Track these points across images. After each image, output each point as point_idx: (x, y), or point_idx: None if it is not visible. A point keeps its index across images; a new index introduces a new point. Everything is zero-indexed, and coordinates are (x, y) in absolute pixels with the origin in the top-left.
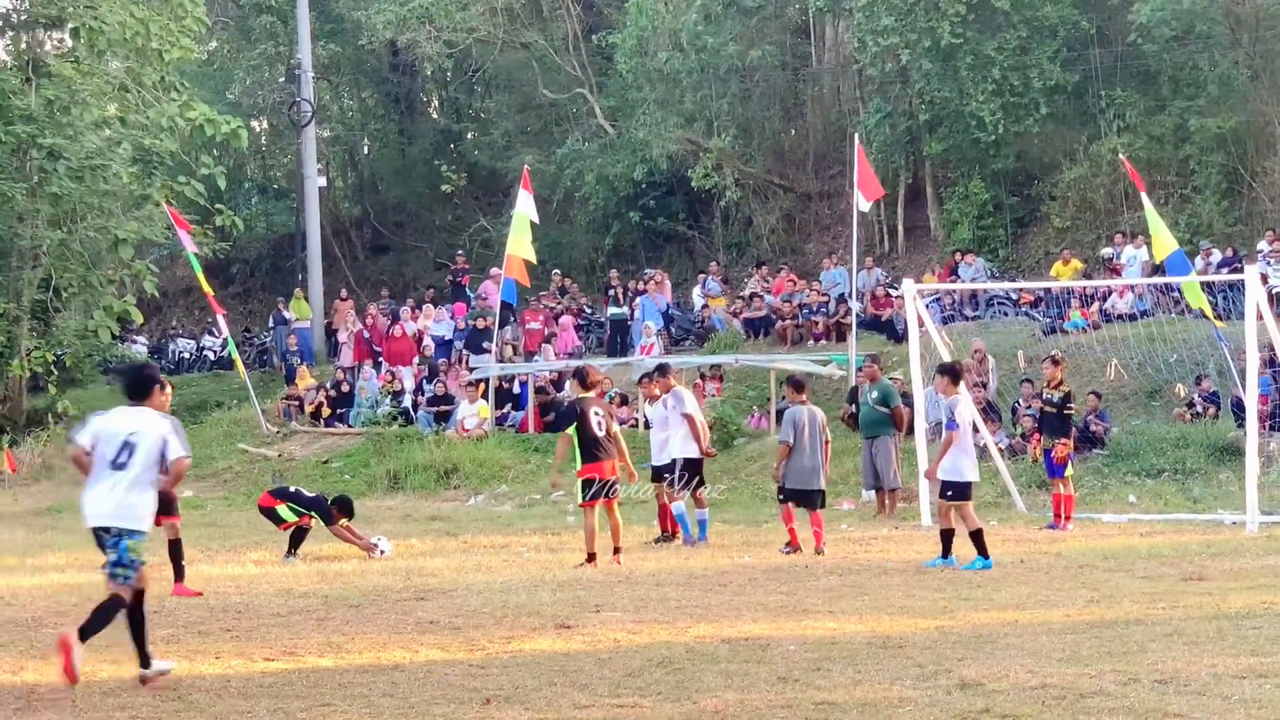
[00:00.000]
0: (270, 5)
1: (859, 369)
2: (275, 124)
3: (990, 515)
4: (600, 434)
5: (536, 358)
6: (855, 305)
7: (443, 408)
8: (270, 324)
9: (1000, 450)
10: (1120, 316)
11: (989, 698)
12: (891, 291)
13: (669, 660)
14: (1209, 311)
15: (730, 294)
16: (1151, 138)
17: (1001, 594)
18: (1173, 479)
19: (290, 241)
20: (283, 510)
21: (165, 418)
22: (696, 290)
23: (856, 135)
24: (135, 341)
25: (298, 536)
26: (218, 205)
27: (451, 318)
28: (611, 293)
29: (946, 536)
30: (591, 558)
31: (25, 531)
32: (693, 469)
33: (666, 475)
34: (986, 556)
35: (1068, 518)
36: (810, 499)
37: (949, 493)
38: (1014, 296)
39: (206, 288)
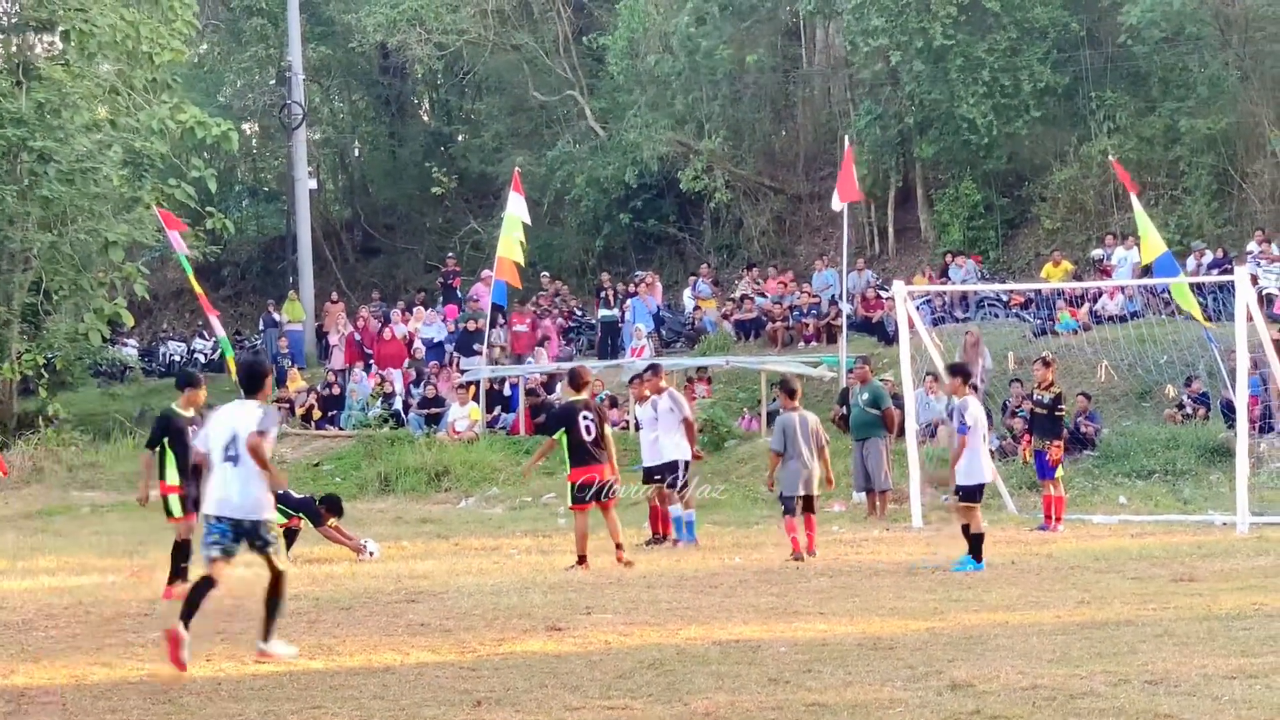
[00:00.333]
0: (261, 8)
1: (849, 371)
2: (266, 126)
3: (984, 516)
4: (589, 438)
5: (528, 360)
6: (846, 307)
7: (433, 410)
8: (260, 326)
9: (990, 451)
10: (1111, 318)
11: (980, 699)
12: (882, 293)
13: (660, 662)
14: (1198, 313)
15: (721, 296)
16: (1141, 139)
17: (992, 595)
18: (1163, 480)
19: (281, 244)
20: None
21: (262, 406)
22: (687, 292)
23: (847, 137)
24: (126, 344)
25: (287, 538)
26: (208, 208)
27: (443, 320)
28: (602, 295)
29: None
30: (582, 560)
31: (15, 535)
32: (685, 470)
33: (657, 477)
34: (979, 560)
35: (1058, 519)
36: (807, 504)
37: (959, 494)
38: (1004, 298)
39: (199, 289)
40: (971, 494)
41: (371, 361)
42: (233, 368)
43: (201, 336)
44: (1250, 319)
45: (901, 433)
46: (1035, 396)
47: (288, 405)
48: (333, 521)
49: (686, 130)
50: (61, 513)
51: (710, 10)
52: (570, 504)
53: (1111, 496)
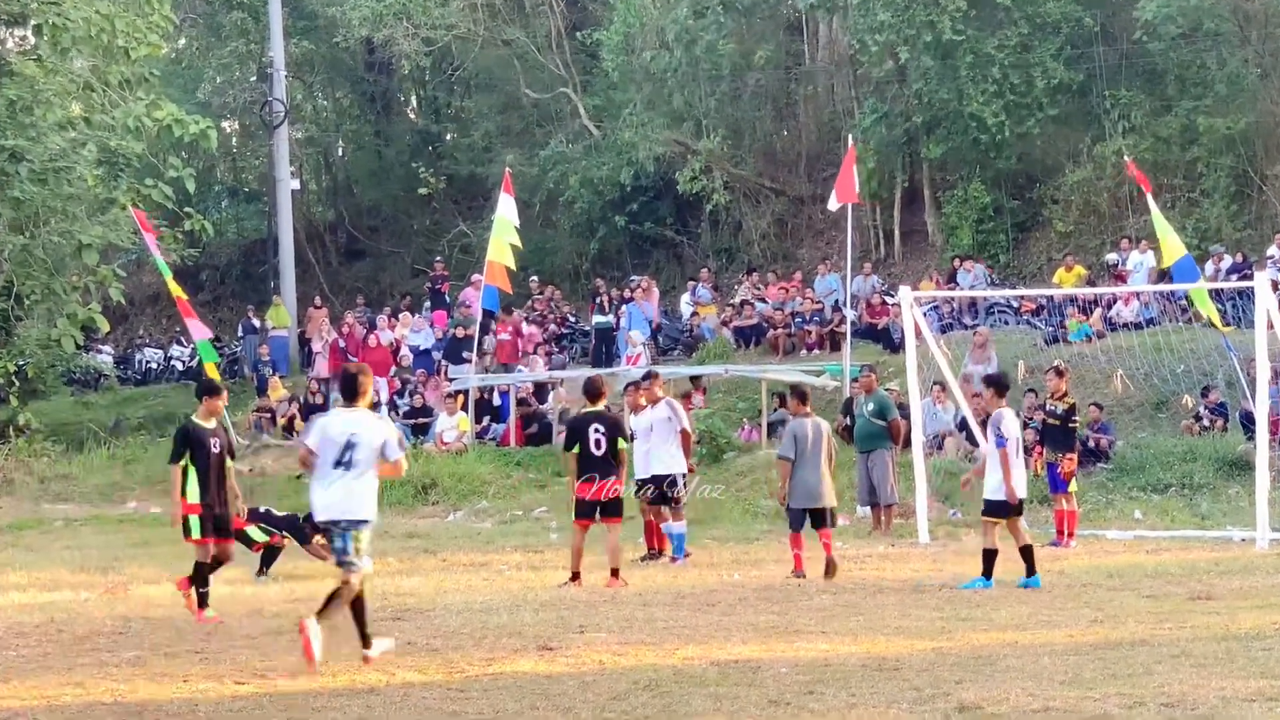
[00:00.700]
0: (241, 1)
1: (854, 380)
2: (246, 124)
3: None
4: (598, 452)
5: (519, 368)
6: (850, 313)
7: (421, 420)
8: (240, 333)
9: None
10: (1125, 325)
11: None
12: (888, 299)
13: (656, 683)
14: (1217, 320)
15: (720, 301)
16: (1158, 139)
17: (1001, 614)
18: (1180, 494)
19: (261, 247)
20: (253, 531)
21: (382, 419)
22: (685, 298)
23: (850, 136)
24: (101, 351)
25: (270, 555)
26: (186, 209)
27: (430, 326)
28: (597, 300)
29: (1025, 554)
30: (575, 577)
31: None
32: (683, 483)
33: (649, 489)
34: (989, 578)
35: (1070, 534)
36: (818, 517)
37: (985, 509)
38: (1015, 304)
39: (178, 291)
40: (997, 510)
41: None
42: (211, 374)
43: (179, 343)
44: (1271, 326)
45: (907, 444)
46: (1048, 407)
47: (269, 415)
48: (319, 539)
49: (684, 129)
50: (33, 526)
51: (709, 3)
52: (573, 517)
53: (1126, 511)
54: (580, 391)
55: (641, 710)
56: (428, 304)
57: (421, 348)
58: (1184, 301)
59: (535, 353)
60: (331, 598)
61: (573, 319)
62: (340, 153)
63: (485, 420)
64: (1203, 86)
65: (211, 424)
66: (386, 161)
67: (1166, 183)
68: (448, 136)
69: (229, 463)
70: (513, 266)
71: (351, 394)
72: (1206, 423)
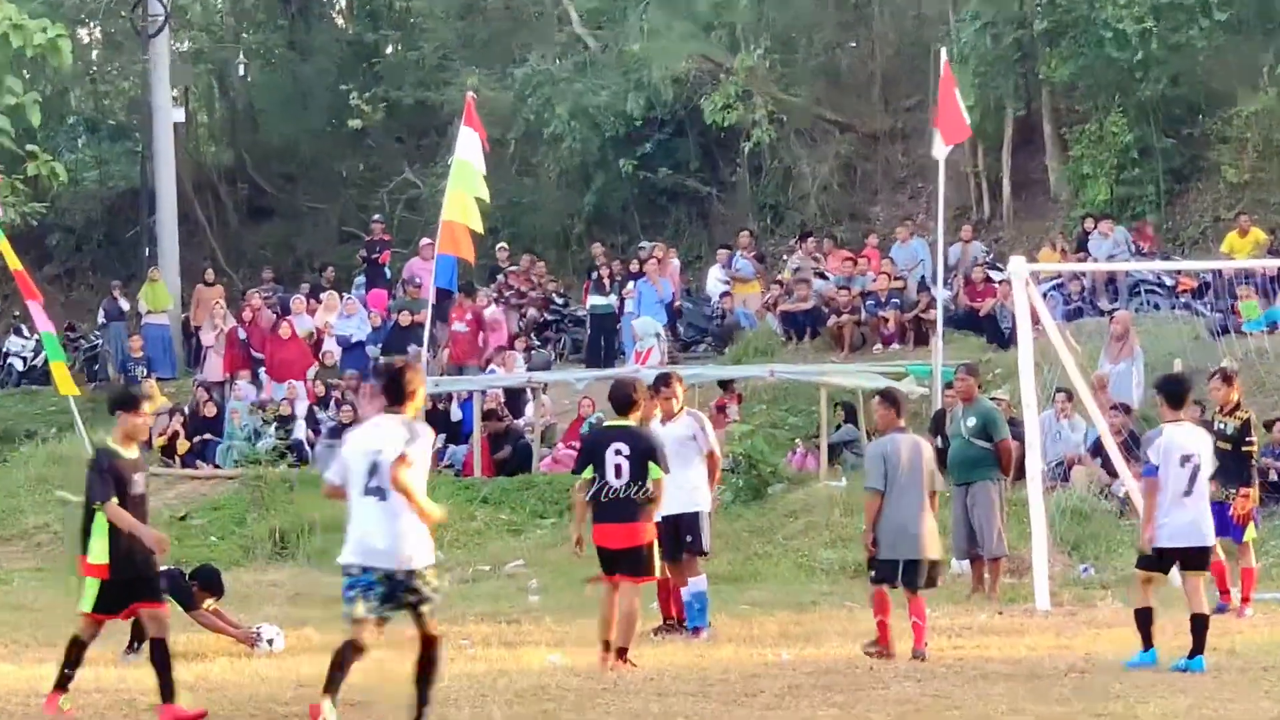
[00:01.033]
0: None
1: (947, 385)
2: (111, 33)
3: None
4: (617, 482)
5: (491, 369)
6: (942, 294)
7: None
8: (102, 319)
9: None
10: None
11: None
12: (994, 274)
13: None
14: None
15: (764, 277)
16: None
17: (1150, 708)
18: None
19: (133, 201)
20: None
21: (406, 423)
22: (715, 271)
23: (944, 52)
24: None
25: (141, 626)
26: (29, 147)
27: (365, 310)
28: (594, 275)
29: (1195, 626)
30: (607, 648)
31: None
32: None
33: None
34: (1148, 647)
35: (1245, 599)
36: (911, 574)
37: (1140, 558)
38: (1169, 281)
39: (16, 263)
40: (1150, 561)
41: (262, 370)
42: (60, 377)
43: (18, 333)
44: None
45: (1021, 475)
46: (1215, 425)
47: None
48: (209, 603)
49: (714, 40)
50: None
51: None
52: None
53: None
54: (609, 399)
55: None
56: (361, 280)
57: (353, 339)
58: None
59: (512, 347)
60: (422, 675)
61: (560, 301)
62: (241, 72)
63: (440, 440)
64: None
65: (133, 452)
66: (304, 84)
67: None
68: (388, 49)
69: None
70: (478, 229)
71: (396, 396)
72: None
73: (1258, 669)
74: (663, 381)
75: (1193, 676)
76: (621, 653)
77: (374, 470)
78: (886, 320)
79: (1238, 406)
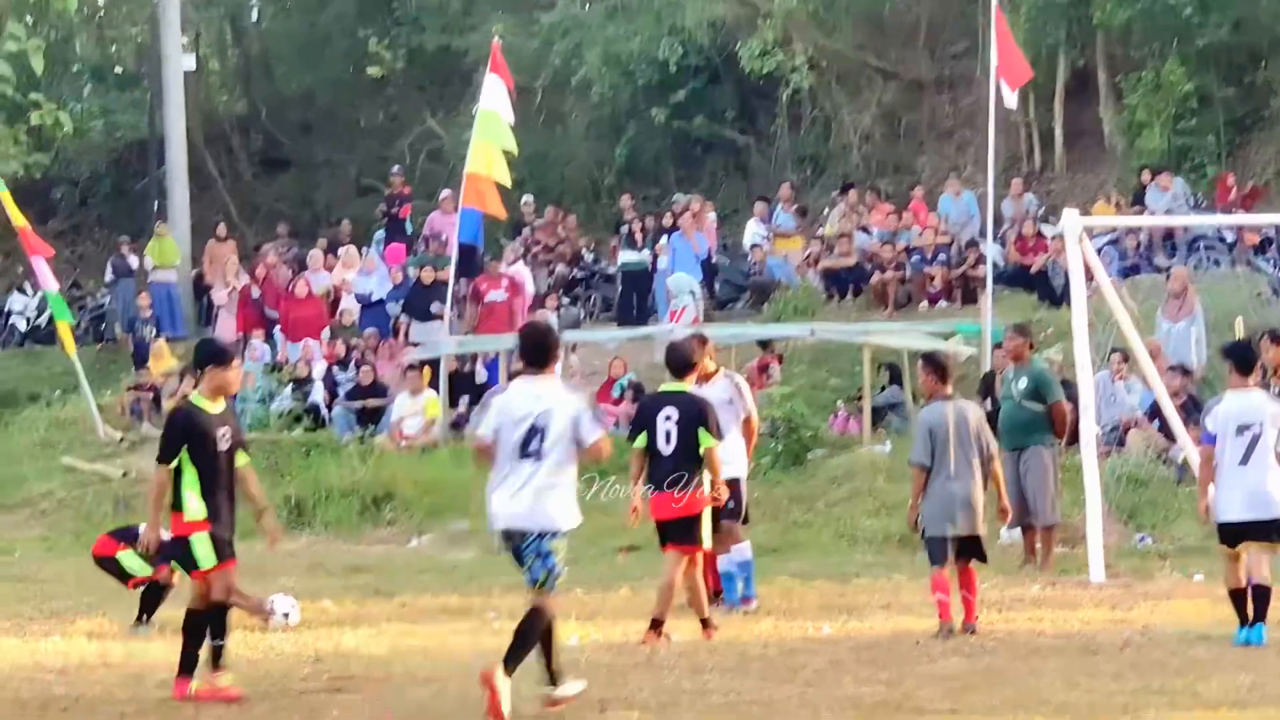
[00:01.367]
0: None
1: (997, 346)
2: None
3: (1197, 564)
4: (667, 449)
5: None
6: (992, 249)
7: (371, 402)
8: (110, 276)
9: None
10: None
11: None
12: (1046, 229)
13: None
14: None
15: (805, 232)
16: None
17: (1211, 684)
18: None
19: (141, 153)
20: (128, 559)
21: (575, 390)
22: (753, 225)
23: None
24: None
25: (152, 596)
26: (33, 96)
27: (385, 267)
28: (621, 231)
29: (1256, 597)
30: (705, 624)
31: None
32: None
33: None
34: (1248, 623)
35: None
36: (961, 549)
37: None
38: (1230, 236)
39: (20, 218)
40: (1228, 534)
41: (277, 329)
42: (66, 337)
43: (22, 291)
44: None
45: (1074, 439)
46: (1273, 389)
47: (151, 394)
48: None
49: None
50: None
51: None
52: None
53: None
54: (666, 362)
55: None
56: (380, 235)
57: (373, 297)
58: None
59: (543, 306)
60: (522, 633)
61: (590, 257)
62: (255, 17)
63: (463, 403)
64: None
65: (219, 406)
66: (321, 29)
67: None
68: None
69: (240, 462)
70: (505, 182)
71: (540, 358)
72: None
73: None
74: (698, 344)
75: (1256, 652)
76: (656, 625)
77: (532, 433)
78: (933, 277)
79: None
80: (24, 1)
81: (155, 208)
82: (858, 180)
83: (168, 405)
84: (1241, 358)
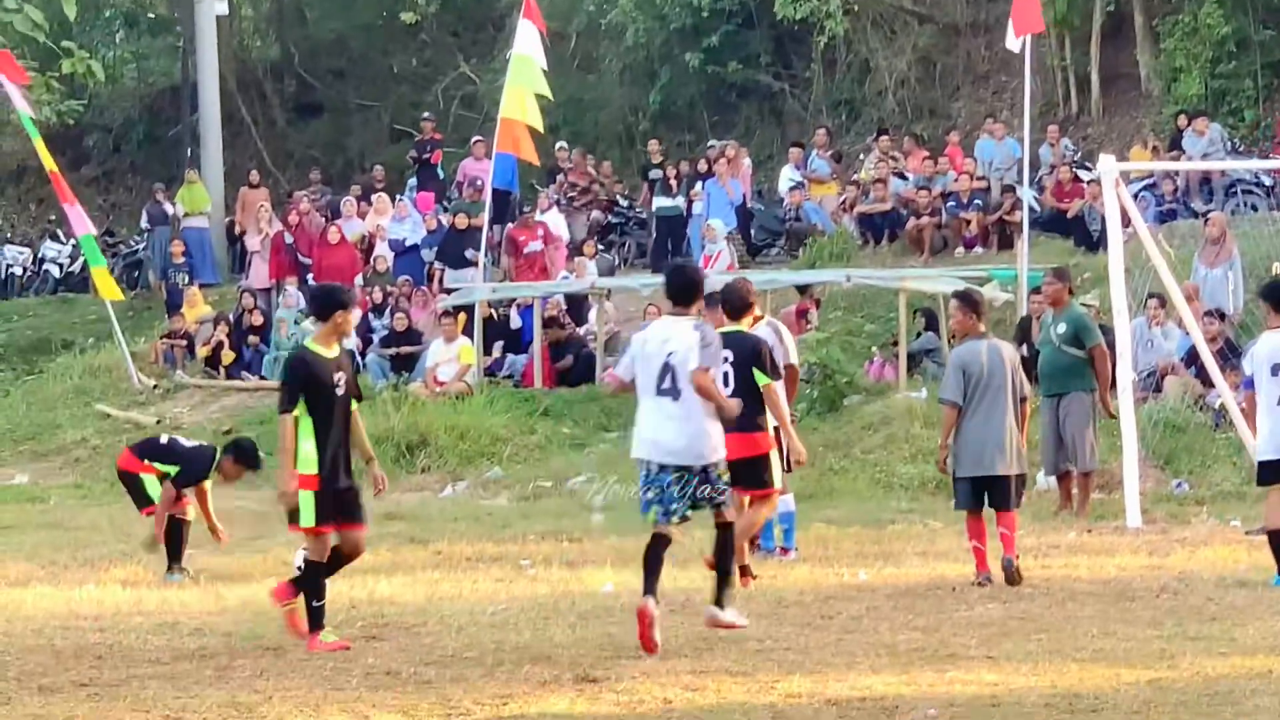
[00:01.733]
0: None
1: (1034, 291)
2: None
3: (1232, 509)
4: (726, 390)
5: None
6: (1028, 194)
7: (405, 349)
8: (144, 224)
9: (1243, 412)
10: None
11: None
12: (1082, 174)
13: None
14: None
15: (840, 177)
16: None
17: (1249, 630)
18: None
19: (174, 100)
20: (151, 483)
21: (699, 327)
22: (787, 171)
23: None
24: None
25: (175, 537)
26: (65, 43)
27: (418, 214)
28: (649, 177)
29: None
30: (744, 572)
31: None
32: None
33: None
34: None
35: None
36: (996, 492)
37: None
38: (1268, 180)
39: (52, 164)
40: (1265, 472)
41: (310, 276)
42: (100, 282)
43: (55, 238)
44: None
45: (1112, 384)
46: None
47: (184, 342)
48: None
49: None
50: None
51: None
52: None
53: None
54: (721, 303)
55: None
56: (413, 182)
57: (406, 244)
58: None
59: (581, 254)
60: (721, 551)
61: (624, 203)
62: None
63: (498, 349)
64: None
65: (334, 352)
66: None
67: None
68: None
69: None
70: (539, 127)
71: (686, 298)
72: None
73: None
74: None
75: None
76: (743, 570)
77: (666, 371)
78: (969, 222)
79: None
80: None
81: (188, 154)
82: (893, 125)
83: (201, 352)
84: (1279, 298)
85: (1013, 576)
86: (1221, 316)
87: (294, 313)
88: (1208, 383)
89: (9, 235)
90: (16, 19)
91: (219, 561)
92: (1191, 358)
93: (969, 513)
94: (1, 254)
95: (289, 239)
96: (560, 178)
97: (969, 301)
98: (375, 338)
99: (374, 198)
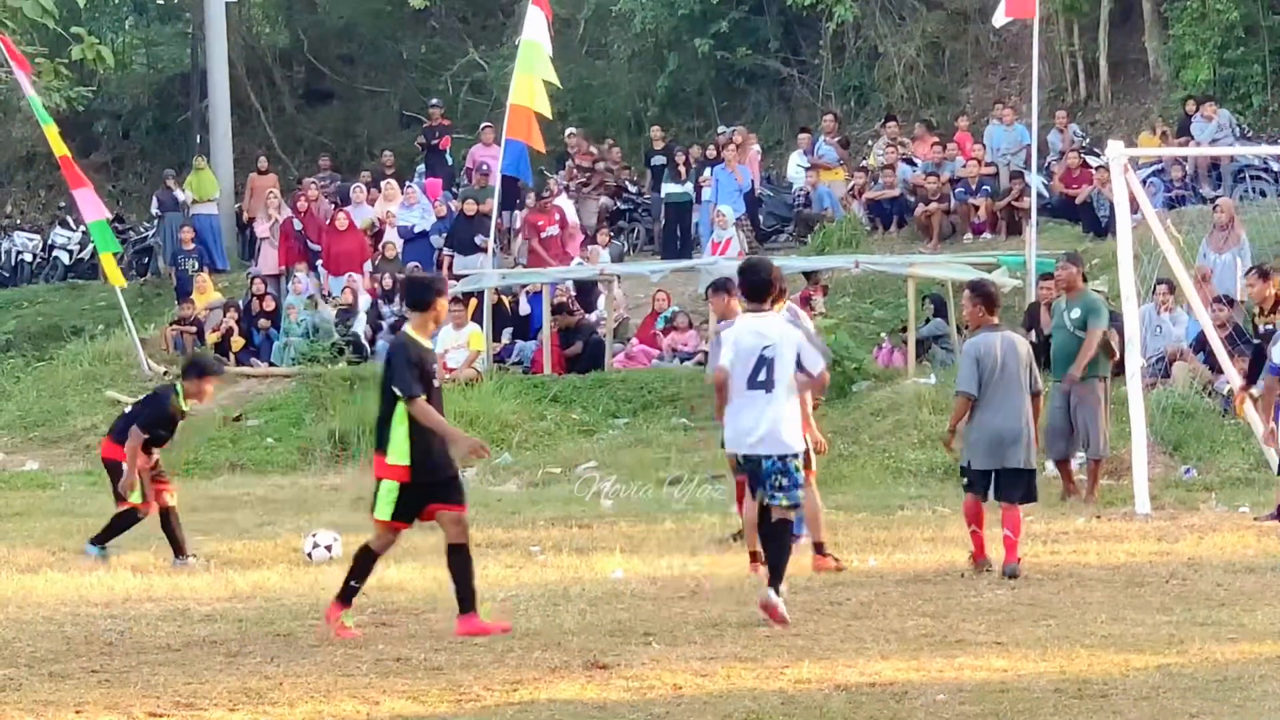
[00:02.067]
0: None
1: (1043, 277)
2: None
3: (1240, 495)
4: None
5: (577, 261)
6: (1036, 180)
7: None
8: (154, 210)
9: (1251, 398)
10: None
11: None
12: (1091, 160)
13: (756, 716)
14: None
15: (848, 163)
16: None
17: (1258, 616)
18: None
19: (183, 85)
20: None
21: (796, 322)
22: (795, 157)
23: None
24: None
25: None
26: (74, 29)
27: (428, 200)
28: (658, 162)
29: None
30: (754, 558)
31: None
32: None
33: None
34: None
35: None
36: (1008, 484)
37: None
38: (1276, 166)
39: (62, 150)
40: None
41: (320, 262)
42: (110, 269)
43: (65, 225)
44: None
45: (1119, 370)
46: (1259, 327)
47: (194, 328)
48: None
49: None
50: None
51: None
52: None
53: None
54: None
55: None
56: (422, 168)
57: (416, 230)
58: None
59: (596, 240)
60: (778, 546)
61: (633, 189)
62: None
63: (507, 336)
64: None
65: (429, 341)
66: None
67: None
68: None
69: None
70: (546, 113)
71: (761, 294)
72: None
73: None
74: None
75: None
76: (819, 548)
77: (761, 365)
78: (977, 208)
79: (1278, 302)
80: None
81: (198, 141)
82: (902, 111)
83: (210, 339)
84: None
85: (1011, 572)
86: (1230, 302)
87: (303, 299)
88: (1216, 369)
89: (19, 222)
90: (26, 5)
91: (227, 548)
92: (1200, 343)
93: (973, 496)
94: (11, 241)
95: (298, 225)
96: (568, 164)
97: (981, 293)
98: (384, 324)
99: (383, 184)
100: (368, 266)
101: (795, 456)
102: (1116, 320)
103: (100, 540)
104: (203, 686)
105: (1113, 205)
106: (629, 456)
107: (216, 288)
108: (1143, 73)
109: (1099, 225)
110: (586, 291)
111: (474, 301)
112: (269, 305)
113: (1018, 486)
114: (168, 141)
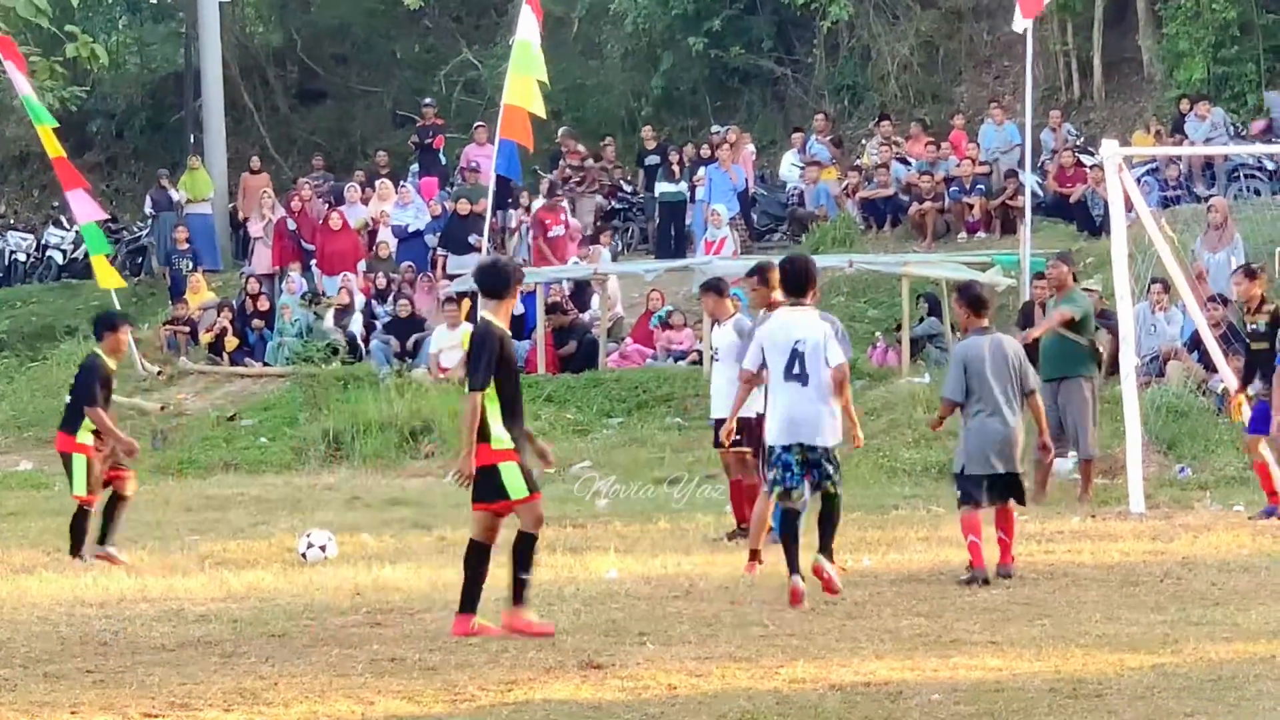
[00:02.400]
0: None
1: (1037, 276)
2: None
3: (1235, 494)
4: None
5: (574, 260)
6: (1030, 179)
7: (409, 335)
8: (148, 210)
9: (1247, 397)
10: None
11: None
12: (1085, 159)
13: (751, 716)
14: None
15: (842, 162)
16: None
17: (1252, 615)
18: None
19: (177, 84)
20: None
21: (826, 318)
22: (789, 156)
23: None
24: None
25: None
26: (68, 28)
27: (422, 200)
28: (651, 162)
29: None
30: (754, 555)
31: None
32: None
33: (738, 436)
34: None
35: None
36: (1000, 488)
37: None
38: (1271, 165)
39: (56, 149)
40: None
41: (313, 262)
42: (102, 270)
43: (59, 224)
44: None
45: (1114, 370)
46: (1246, 326)
47: (187, 328)
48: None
49: None
50: None
51: None
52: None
53: None
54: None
55: None
56: (416, 168)
57: (410, 229)
58: None
59: (598, 240)
60: (829, 521)
61: (627, 188)
62: None
63: None
64: None
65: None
66: None
67: None
68: None
69: None
70: (540, 113)
71: (800, 288)
72: None
73: None
74: (755, 273)
75: None
76: (752, 554)
77: (795, 358)
78: (971, 207)
79: (1264, 301)
80: None
81: (191, 140)
82: (895, 110)
83: (204, 338)
84: None
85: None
86: (1224, 301)
87: (296, 298)
88: (1210, 367)
89: (12, 222)
90: (19, 4)
91: (221, 548)
92: (1195, 342)
93: (969, 507)
94: (5, 240)
95: (292, 225)
96: (560, 163)
97: (971, 296)
98: (379, 324)
99: (377, 184)
100: (362, 266)
101: (834, 449)
102: (1110, 319)
103: (76, 550)
104: (197, 687)
105: (1107, 204)
106: (623, 456)
107: (210, 287)
108: (1137, 71)
109: (1093, 224)
110: (581, 290)
111: (468, 301)
112: (263, 305)
113: (1011, 488)
114: (161, 141)
